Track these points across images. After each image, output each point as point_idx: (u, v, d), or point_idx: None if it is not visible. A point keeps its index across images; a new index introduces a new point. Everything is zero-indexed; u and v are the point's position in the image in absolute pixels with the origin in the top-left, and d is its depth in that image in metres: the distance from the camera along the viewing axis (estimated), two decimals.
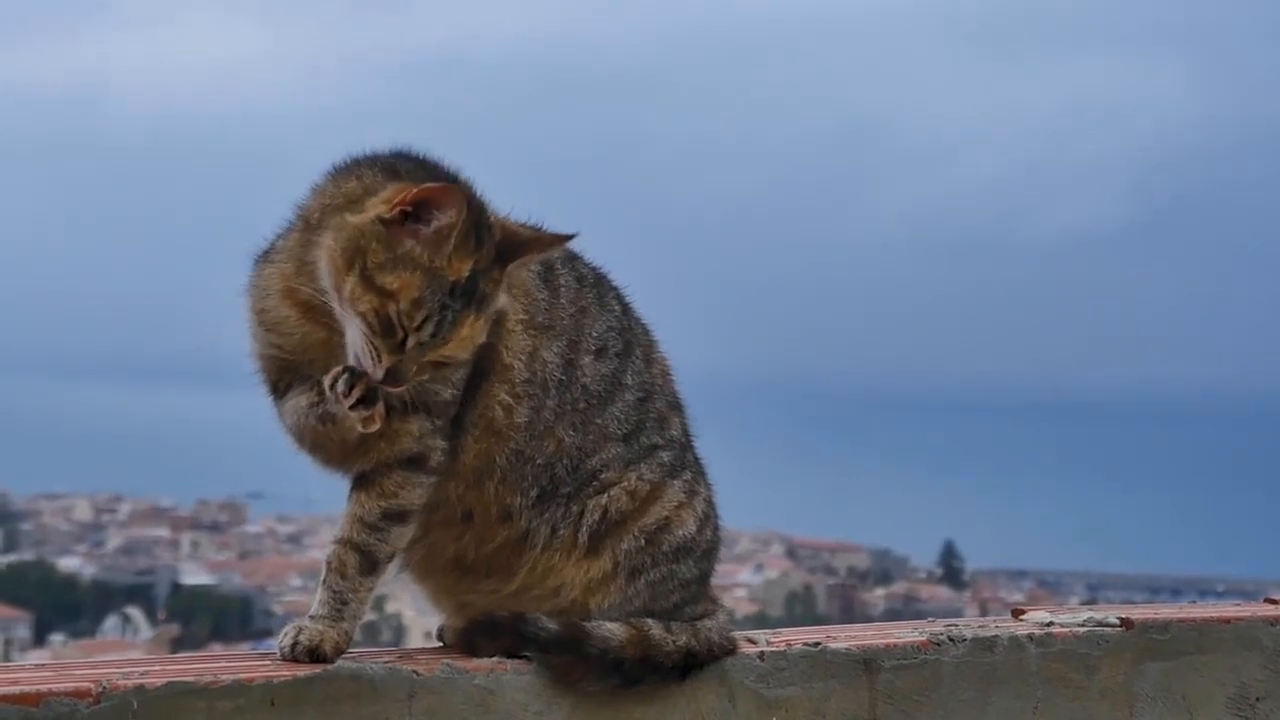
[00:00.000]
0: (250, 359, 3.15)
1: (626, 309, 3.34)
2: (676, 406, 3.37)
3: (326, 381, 2.96)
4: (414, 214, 2.92)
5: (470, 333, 2.98)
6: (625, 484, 3.21)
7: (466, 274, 2.94)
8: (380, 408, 2.95)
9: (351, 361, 2.94)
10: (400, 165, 3.07)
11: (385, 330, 2.90)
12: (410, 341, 2.91)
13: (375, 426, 2.97)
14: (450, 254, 2.93)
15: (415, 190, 2.93)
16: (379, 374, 2.91)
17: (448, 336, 2.94)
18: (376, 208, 2.95)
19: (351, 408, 2.93)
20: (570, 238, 3.13)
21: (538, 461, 3.15)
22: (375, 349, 2.90)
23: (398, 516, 3.06)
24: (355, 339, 2.92)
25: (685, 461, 3.32)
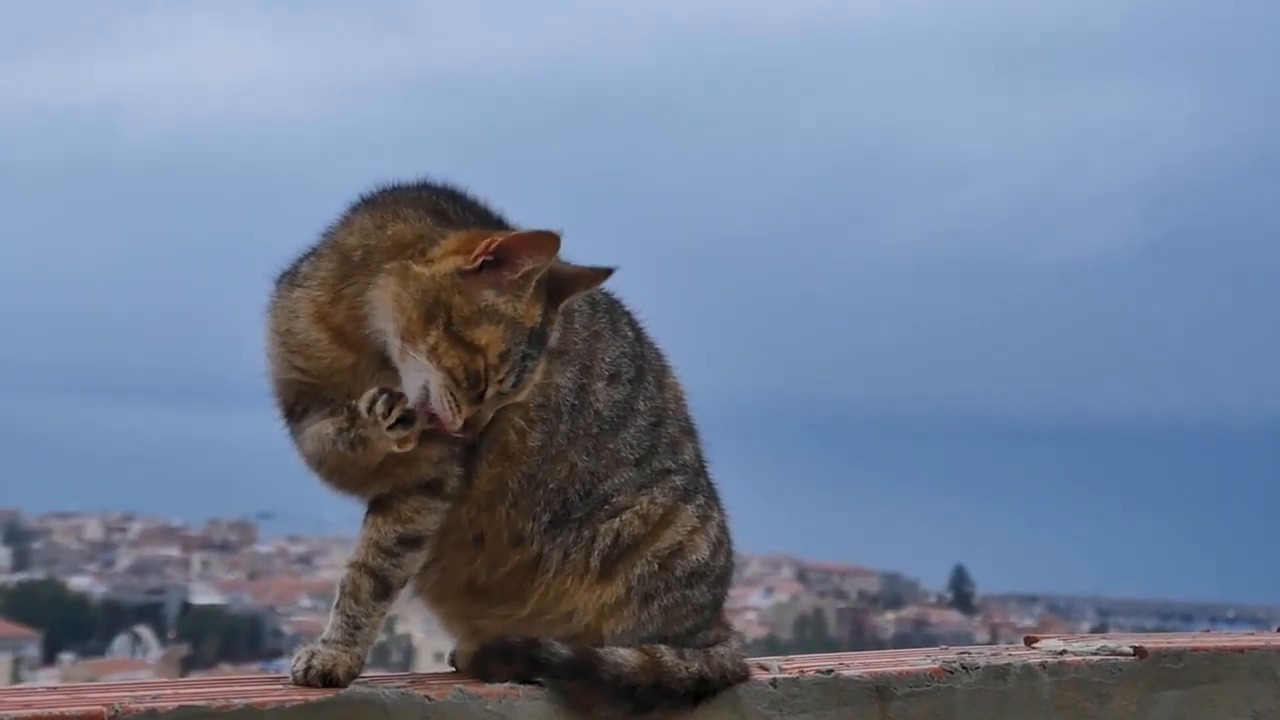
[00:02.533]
0: (266, 380, 3.13)
1: (639, 334, 3.34)
2: (689, 431, 3.36)
3: (363, 404, 2.96)
4: (494, 261, 2.93)
5: (538, 376, 3.01)
6: (637, 508, 3.20)
7: (539, 318, 2.97)
8: (417, 428, 2.95)
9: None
10: (445, 206, 3.06)
11: (471, 384, 2.91)
12: (490, 392, 2.93)
13: (411, 446, 2.97)
14: (528, 300, 2.94)
15: (500, 239, 2.93)
16: (457, 424, 2.92)
17: (525, 384, 2.97)
18: (452, 259, 2.95)
19: (389, 428, 2.93)
20: (610, 273, 3.13)
21: (550, 486, 3.15)
22: (455, 400, 2.91)
23: (413, 541, 3.06)
24: (431, 389, 2.90)
25: (698, 486, 3.31)
